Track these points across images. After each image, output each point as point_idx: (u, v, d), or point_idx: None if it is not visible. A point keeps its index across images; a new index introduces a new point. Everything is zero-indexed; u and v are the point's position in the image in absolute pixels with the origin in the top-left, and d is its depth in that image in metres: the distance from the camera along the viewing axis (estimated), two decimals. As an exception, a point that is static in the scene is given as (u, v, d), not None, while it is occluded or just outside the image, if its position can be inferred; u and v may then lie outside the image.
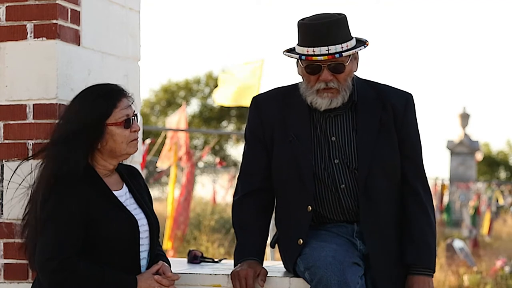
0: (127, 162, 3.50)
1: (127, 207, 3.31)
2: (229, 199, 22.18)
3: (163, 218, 12.96)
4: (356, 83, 3.50)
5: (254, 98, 3.63)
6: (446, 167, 28.52)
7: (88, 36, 3.76)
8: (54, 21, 3.57)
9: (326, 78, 3.39)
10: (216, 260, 4.08)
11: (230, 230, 14.47)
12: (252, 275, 3.38)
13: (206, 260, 4.06)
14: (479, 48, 75.46)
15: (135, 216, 3.30)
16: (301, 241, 3.43)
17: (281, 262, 3.67)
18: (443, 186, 24.82)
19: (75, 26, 3.68)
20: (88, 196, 3.22)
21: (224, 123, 40.49)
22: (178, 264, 3.87)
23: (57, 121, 3.38)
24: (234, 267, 3.46)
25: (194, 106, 40.51)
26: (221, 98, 10.43)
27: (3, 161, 3.61)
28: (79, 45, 3.71)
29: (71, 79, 3.64)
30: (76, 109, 3.29)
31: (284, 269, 3.62)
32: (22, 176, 3.55)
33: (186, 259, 4.08)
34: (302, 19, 3.44)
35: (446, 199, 24.87)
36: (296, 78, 3.57)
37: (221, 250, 13.30)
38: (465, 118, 27.78)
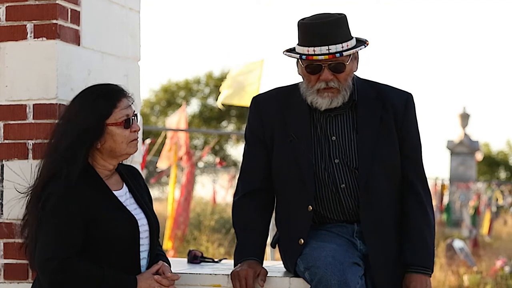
0: (127, 162, 3.50)
1: (127, 207, 3.31)
2: (229, 199, 22.19)
3: (163, 218, 12.96)
4: (356, 82, 3.50)
5: (254, 98, 3.64)
6: (446, 167, 28.54)
7: (88, 36, 3.76)
8: (54, 21, 3.57)
9: (326, 77, 3.39)
10: (216, 260, 4.08)
11: (230, 230, 14.47)
12: (252, 275, 3.38)
13: (206, 260, 4.06)
14: (479, 48, 75.50)
15: (135, 216, 3.30)
16: (302, 241, 3.43)
17: (281, 262, 3.67)
18: (443, 186, 24.81)
19: (75, 26, 3.68)
20: (88, 196, 3.22)
21: (224, 123, 40.50)
22: (178, 264, 3.87)
23: (57, 121, 3.39)
24: (234, 267, 3.46)
25: (194, 106, 40.54)
26: (223, 98, 10.43)
27: (3, 161, 3.61)
28: (79, 45, 3.71)
29: (71, 79, 3.64)
30: (76, 109, 3.29)
31: (284, 269, 3.62)
32: (22, 176, 3.55)
33: (186, 259, 4.08)
34: (302, 19, 3.44)
35: (446, 199, 24.86)
36: (296, 78, 3.57)
37: (221, 250, 13.30)
38: (465, 118, 27.78)
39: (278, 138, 3.50)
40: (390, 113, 3.49)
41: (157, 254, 3.42)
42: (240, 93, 9.71)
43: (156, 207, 3.98)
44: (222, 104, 10.04)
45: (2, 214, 3.61)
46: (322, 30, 3.35)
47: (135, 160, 3.83)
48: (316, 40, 3.36)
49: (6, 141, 3.61)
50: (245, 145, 3.61)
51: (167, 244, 11.61)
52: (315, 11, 3.48)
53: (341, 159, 3.46)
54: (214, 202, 23.54)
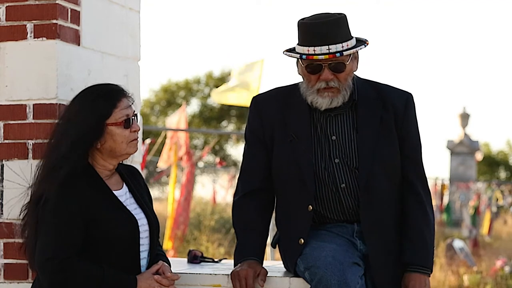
0: (127, 162, 3.50)
1: (127, 207, 3.32)
2: (229, 199, 22.19)
3: (163, 218, 12.96)
4: (356, 82, 3.50)
5: (254, 98, 3.64)
6: (446, 167, 28.53)
7: (88, 36, 3.76)
8: (54, 21, 3.57)
9: (326, 77, 3.39)
10: (216, 260, 4.08)
11: (230, 230, 14.48)
12: (252, 275, 3.38)
13: (206, 260, 4.06)
14: (479, 48, 75.51)
15: (135, 216, 3.31)
16: (302, 241, 3.43)
17: (281, 262, 3.68)
18: (443, 186, 24.81)
19: (75, 26, 3.68)
20: (88, 196, 3.22)
21: (224, 123, 40.49)
22: (178, 264, 3.87)
23: (57, 121, 3.39)
24: (234, 267, 3.46)
25: (194, 106, 40.54)
26: (222, 98, 10.44)
27: (3, 161, 3.61)
28: (79, 45, 3.71)
29: (71, 79, 3.64)
30: (76, 109, 3.29)
31: (284, 269, 3.62)
32: (22, 176, 3.55)
33: (186, 259, 4.08)
34: (302, 19, 3.44)
35: (446, 199, 24.86)
36: (296, 78, 3.57)
37: (221, 250, 13.30)
38: (465, 118, 27.78)
39: (278, 138, 3.50)
40: (390, 113, 3.49)
41: (157, 254, 3.42)
42: (241, 93, 9.72)
43: (156, 207, 3.98)
44: (222, 105, 10.08)
45: (2, 214, 3.61)
46: (322, 30, 3.35)
47: (135, 160, 3.84)
48: (316, 40, 3.36)
49: (6, 141, 3.61)
50: (245, 145, 3.61)
51: (167, 244, 11.61)
52: (315, 11, 3.49)
53: (341, 158, 3.46)
54: (214, 202, 23.54)
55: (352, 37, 3.44)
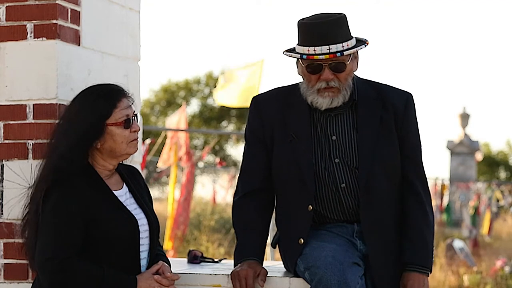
0: (127, 162, 3.50)
1: (127, 207, 3.32)
2: (229, 199, 22.19)
3: (163, 218, 12.97)
4: (356, 82, 3.50)
5: (254, 98, 3.64)
6: (446, 167, 28.53)
7: (88, 36, 3.76)
8: (54, 21, 3.57)
9: (327, 77, 3.40)
10: (216, 260, 4.08)
11: (230, 230, 14.48)
12: (252, 275, 3.38)
13: (206, 260, 4.06)
14: (479, 48, 75.50)
15: (135, 216, 3.31)
16: (302, 241, 3.43)
17: (281, 262, 3.68)
18: (443, 186, 24.81)
19: (75, 26, 3.68)
20: (88, 196, 3.22)
21: (224, 123, 40.50)
22: (178, 264, 3.87)
23: (57, 121, 3.39)
24: (234, 267, 3.46)
25: (194, 106, 40.55)
26: (223, 98, 10.43)
27: (3, 161, 3.61)
28: (79, 45, 3.71)
29: (71, 79, 3.64)
30: (76, 109, 3.29)
31: (284, 269, 3.62)
32: (22, 176, 3.56)
33: (186, 259, 4.08)
34: (302, 19, 3.44)
35: (446, 199, 24.86)
36: (296, 78, 3.57)
37: (221, 250, 13.31)
38: (465, 118, 27.79)
39: (278, 138, 3.50)
40: (390, 113, 3.49)
41: (157, 254, 3.42)
42: (241, 93, 9.71)
43: (156, 207, 3.98)
44: (222, 106, 10.09)
45: (2, 214, 3.61)
46: (323, 29, 3.36)
47: (135, 160, 3.84)
48: (316, 40, 3.36)
49: (6, 141, 3.61)
50: (245, 145, 3.61)
51: (167, 244, 11.61)
52: (315, 11, 3.49)
53: (341, 158, 3.46)
54: (214, 202, 23.55)
55: (352, 37, 3.44)
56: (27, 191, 3.38)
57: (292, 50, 3.47)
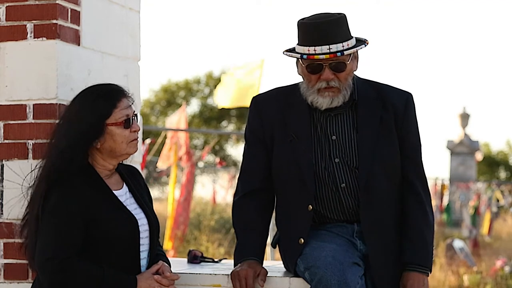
0: (127, 162, 3.50)
1: (127, 207, 3.32)
2: (229, 199, 22.20)
3: (163, 218, 12.97)
4: (356, 82, 3.50)
5: (254, 98, 3.64)
6: (446, 167, 28.53)
7: (88, 36, 3.76)
8: (54, 21, 3.57)
9: (327, 77, 3.40)
10: (216, 260, 4.08)
11: (230, 230, 14.48)
12: (252, 275, 3.38)
13: (206, 260, 4.06)
14: (479, 48, 75.50)
15: (135, 216, 3.31)
16: (302, 241, 3.43)
17: (281, 262, 3.68)
18: (443, 186, 24.81)
19: (75, 26, 3.68)
20: (88, 196, 3.22)
21: (224, 123, 40.50)
22: (178, 264, 3.87)
23: (57, 121, 3.39)
24: (234, 267, 3.46)
25: (194, 106, 40.54)
26: (222, 100, 10.43)
27: (3, 161, 3.61)
28: (79, 45, 3.71)
29: (71, 79, 3.64)
30: (76, 109, 3.29)
31: (284, 269, 3.62)
32: (22, 176, 3.55)
33: (186, 259, 4.08)
34: (302, 19, 3.44)
35: (446, 199, 24.86)
36: (296, 78, 3.57)
37: (221, 250, 13.31)
38: (465, 118, 27.79)
39: (278, 138, 3.50)
40: (390, 113, 3.49)
41: (157, 254, 3.42)
42: (239, 94, 9.71)
43: (156, 207, 3.98)
44: (222, 108, 10.05)
45: (2, 214, 3.61)
46: (323, 29, 3.36)
47: (135, 160, 3.84)
48: (316, 40, 3.36)
49: (6, 141, 3.61)
50: (245, 145, 3.61)
51: (167, 244, 11.61)
52: (315, 11, 3.49)
53: (341, 158, 3.46)
54: (214, 202, 23.55)
55: (352, 37, 3.44)
56: (27, 191, 3.38)
57: (292, 50, 3.47)
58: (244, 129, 3.65)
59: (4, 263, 3.60)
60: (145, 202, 3.41)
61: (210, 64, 71.45)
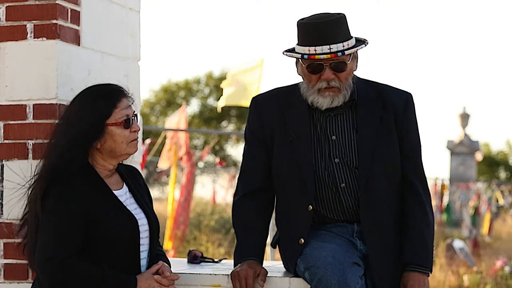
0: (127, 162, 3.50)
1: (127, 206, 3.32)
2: (229, 199, 22.20)
3: (163, 218, 12.97)
4: (356, 82, 3.50)
5: (254, 98, 3.64)
6: (446, 167, 28.54)
7: (88, 36, 3.76)
8: (54, 21, 3.57)
9: (328, 77, 3.40)
10: (216, 260, 4.08)
11: (230, 230, 14.48)
12: (252, 275, 3.38)
13: (206, 260, 4.06)
14: (479, 48, 75.49)
15: (135, 216, 3.31)
16: (302, 241, 3.43)
17: (281, 262, 3.68)
18: (443, 186, 24.81)
19: (75, 26, 3.68)
20: (88, 196, 3.22)
21: (224, 123, 40.50)
22: (178, 264, 3.87)
23: (57, 121, 3.39)
24: (234, 267, 3.46)
25: (194, 106, 40.54)
26: (222, 99, 10.43)
27: (3, 161, 3.61)
28: (79, 45, 3.71)
29: (71, 79, 3.64)
30: (76, 109, 3.29)
31: (284, 269, 3.62)
32: (22, 176, 3.55)
33: (186, 259, 4.08)
34: (302, 19, 3.44)
35: (446, 199, 24.87)
36: (296, 78, 3.57)
37: (221, 250, 13.31)
38: (465, 118, 27.79)
39: (278, 138, 3.50)
40: (390, 113, 3.49)
41: (157, 254, 3.42)
42: (242, 93, 9.71)
43: (156, 207, 3.98)
44: (224, 106, 10.03)
45: (2, 214, 3.61)
46: (323, 29, 3.36)
47: (135, 160, 3.84)
48: (317, 40, 3.36)
49: (6, 141, 3.61)
50: (245, 145, 3.61)
51: (167, 244, 11.61)
52: (315, 11, 3.49)
53: (341, 158, 3.46)
54: (214, 202, 23.55)
55: (352, 37, 3.44)
56: (27, 191, 3.38)
57: (291, 50, 3.47)
58: (244, 129, 3.65)
59: (4, 263, 3.60)
60: (145, 202, 3.41)
61: (210, 64, 71.49)
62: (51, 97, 3.56)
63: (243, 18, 69.91)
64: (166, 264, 3.35)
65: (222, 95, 10.31)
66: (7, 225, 3.60)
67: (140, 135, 3.59)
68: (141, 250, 3.32)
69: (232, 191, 21.32)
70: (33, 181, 3.30)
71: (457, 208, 25.67)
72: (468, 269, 12.79)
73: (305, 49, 3.38)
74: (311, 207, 3.45)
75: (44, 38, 3.58)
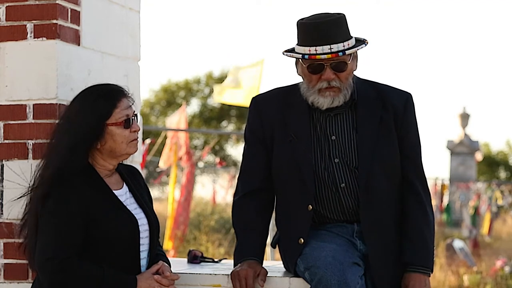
0: (127, 162, 3.50)
1: (127, 206, 3.32)
2: (229, 199, 22.20)
3: (163, 218, 12.97)
4: (356, 82, 3.50)
5: (254, 98, 3.64)
6: (446, 167, 28.54)
7: (88, 36, 3.76)
8: (54, 21, 3.57)
9: (328, 77, 3.40)
10: (216, 260, 4.08)
11: (230, 230, 14.48)
12: (252, 275, 3.38)
13: (206, 260, 4.06)
14: (479, 48, 75.49)
15: (135, 215, 3.31)
16: (302, 241, 3.43)
17: (281, 262, 3.68)
18: (443, 186, 24.82)
19: (75, 26, 3.68)
20: (89, 196, 3.22)
21: (224, 123, 40.50)
22: (178, 264, 3.87)
23: (57, 121, 3.39)
24: (234, 267, 3.46)
25: (194, 106, 40.55)
26: (227, 97, 10.43)
27: (3, 161, 3.61)
28: (79, 45, 3.71)
29: (71, 79, 3.64)
30: (76, 109, 3.29)
31: (284, 269, 3.62)
32: (22, 176, 3.55)
33: (186, 259, 4.08)
34: (301, 19, 3.44)
35: (446, 199, 24.87)
36: (296, 78, 3.57)
37: (221, 250, 13.31)
38: (465, 118, 27.79)
39: (278, 138, 3.50)
40: (390, 113, 3.49)
41: (157, 254, 3.42)
42: (239, 91, 9.71)
43: (156, 207, 3.98)
44: (222, 104, 10.07)
45: (2, 214, 3.61)
46: (323, 29, 3.36)
47: (135, 160, 3.84)
48: (317, 40, 3.36)
49: (6, 141, 3.61)
50: (245, 145, 3.61)
51: (167, 244, 11.61)
52: (315, 11, 3.49)
53: (341, 158, 3.46)
54: (214, 202, 23.55)
55: (352, 37, 3.44)
56: (27, 191, 3.38)
57: (291, 51, 3.47)
58: (244, 129, 3.65)
59: (4, 263, 3.60)
60: (145, 202, 3.41)
61: (210, 64, 71.48)
62: (51, 97, 3.56)
63: (243, 18, 69.93)
64: (166, 264, 3.35)
65: (218, 93, 10.32)
66: (7, 225, 3.60)
67: (140, 135, 3.59)
68: (141, 250, 3.32)
69: (232, 191, 21.32)
70: (34, 182, 3.29)
71: (457, 208, 25.68)
72: (468, 269, 12.79)
73: (306, 49, 3.38)
74: (311, 207, 3.45)
75: (44, 38, 3.58)
